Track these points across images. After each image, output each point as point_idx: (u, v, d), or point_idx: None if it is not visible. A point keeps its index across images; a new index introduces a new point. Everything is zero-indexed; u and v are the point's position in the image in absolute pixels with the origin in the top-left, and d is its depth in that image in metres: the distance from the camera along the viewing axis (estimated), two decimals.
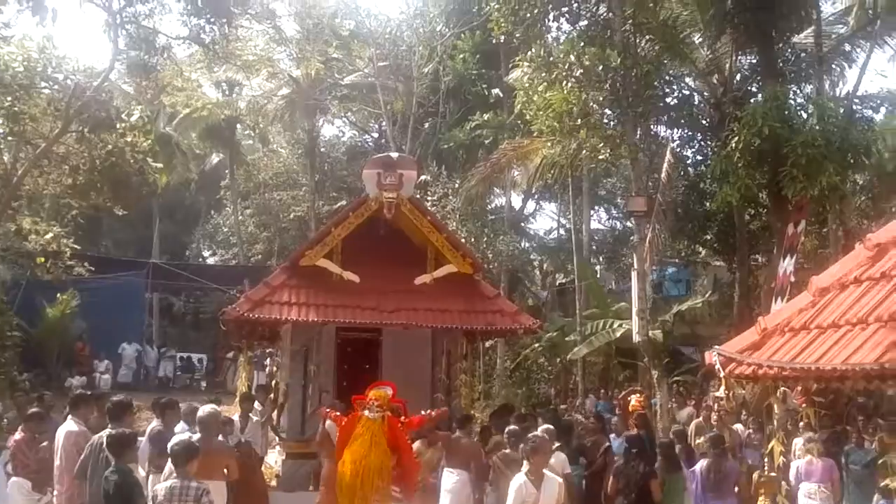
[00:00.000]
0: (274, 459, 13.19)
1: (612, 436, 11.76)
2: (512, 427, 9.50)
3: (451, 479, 9.89)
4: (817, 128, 15.39)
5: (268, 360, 22.28)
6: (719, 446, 9.57)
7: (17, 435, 8.94)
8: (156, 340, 29.27)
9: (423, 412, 10.27)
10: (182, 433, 8.60)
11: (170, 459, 6.70)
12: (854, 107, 19.29)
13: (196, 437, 7.66)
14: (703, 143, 21.65)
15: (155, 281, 27.96)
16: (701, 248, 27.40)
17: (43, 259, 18.86)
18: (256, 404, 12.19)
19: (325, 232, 13.21)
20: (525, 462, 6.98)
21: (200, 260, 39.73)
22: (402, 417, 9.88)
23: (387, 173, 12.77)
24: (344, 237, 12.87)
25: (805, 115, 16.40)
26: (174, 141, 30.56)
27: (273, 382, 23.92)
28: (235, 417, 11.81)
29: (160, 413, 9.49)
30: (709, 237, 24.53)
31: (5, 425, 12.15)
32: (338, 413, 10.32)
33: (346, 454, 9.59)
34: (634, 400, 18.49)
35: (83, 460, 7.74)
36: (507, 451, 9.17)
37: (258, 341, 18.21)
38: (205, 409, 8.14)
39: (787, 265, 16.58)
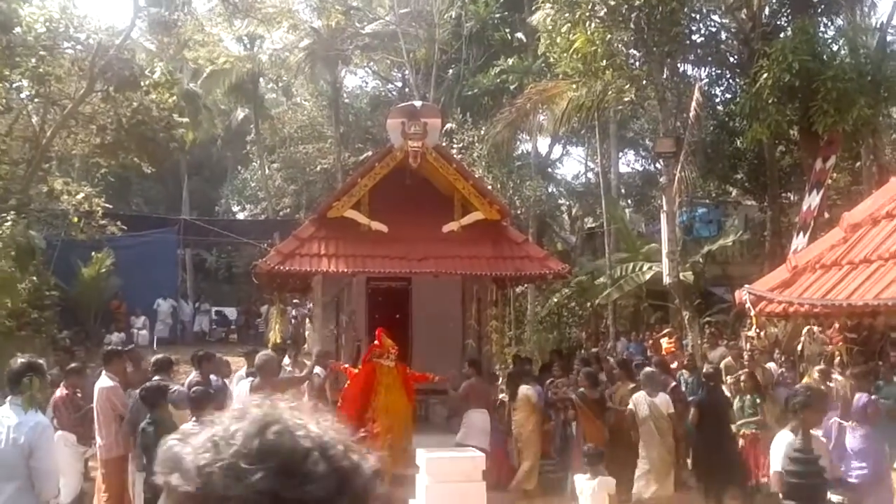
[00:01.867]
0: None
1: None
2: (649, 370, 10.04)
3: (482, 418, 10.65)
4: (849, 60, 15.04)
5: (293, 310, 22.47)
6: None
7: (60, 391, 9.20)
8: (190, 296, 29.70)
9: (429, 374, 10.74)
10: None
11: (189, 405, 7.02)
12: (888, 38, 18.76)
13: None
14: (731, 80, 21.26)
15: (187, 237, 28.21)
16: (731, 188, 27.10)
17: (77, 219, 19.08)
18: (286, 359, 12.38)
19: (351, 183, 13.23)
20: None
21: (230, 215, 40.04)
22: (408, 370, 10.58)
23: (411, 122, 12.70)
24: (370, 188, 12.86)
25: (836, 48, 16.01)
26: (199, 97, 30.59)
27: (301, 331, 24.40)
28: (242, 371, 12.01)
29: (198, 365, 9.74)
30: (739, 176, 24.24)
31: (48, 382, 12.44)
32: (346, 366, 10.68)
33: (380, 402, 9.88)
34: (666, 342, 18.69)
35: (131, 414, 8.01)
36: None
37: (290, 293, 18.46)
38: (260, 357, 8.77)
39: (812, 200, 16.38)
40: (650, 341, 19.98)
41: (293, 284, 14.82)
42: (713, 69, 21.07)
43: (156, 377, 8.22)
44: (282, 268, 12.13)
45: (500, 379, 13.92)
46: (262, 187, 35.31)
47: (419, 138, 12.67)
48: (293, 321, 22.95)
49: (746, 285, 8.09)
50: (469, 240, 12.99)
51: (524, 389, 11.14)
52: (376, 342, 10.51)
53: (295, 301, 22.71)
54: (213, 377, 9.89)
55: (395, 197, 13.10)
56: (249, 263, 18.68)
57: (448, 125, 24.17)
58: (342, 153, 32.34)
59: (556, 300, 25.68)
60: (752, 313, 7.67)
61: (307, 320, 24.10)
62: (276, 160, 36.50)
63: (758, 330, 8.11)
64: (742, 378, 11.07)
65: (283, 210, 35.87)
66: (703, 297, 24.14)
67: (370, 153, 29.96)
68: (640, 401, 9.49)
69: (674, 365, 13.92)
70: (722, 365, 13.78)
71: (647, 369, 10.26)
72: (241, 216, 40.03)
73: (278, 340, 14.12)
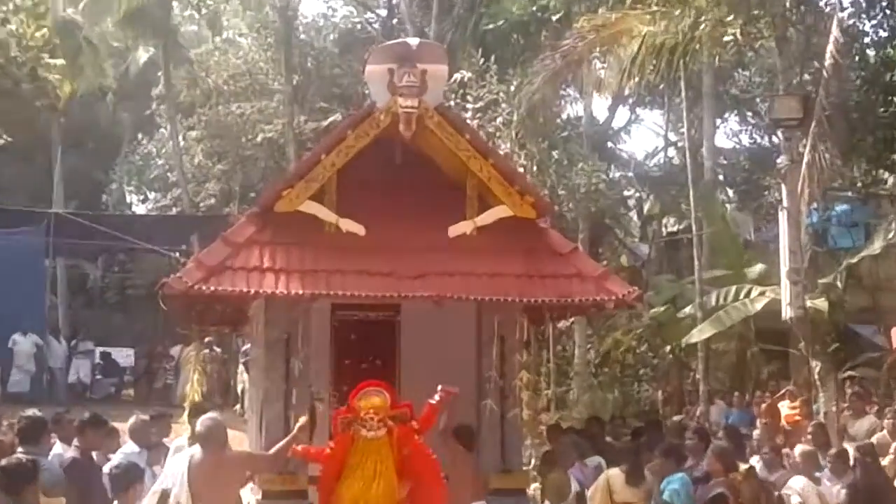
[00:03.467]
0: (246, 501, 13.44)
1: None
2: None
3: None
4: None
5: (206, 350, 22.57)
6: None
7: None
8: (63, 330, 29.76)
9: (431, 400, 10.87)
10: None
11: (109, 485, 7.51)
12: None
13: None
14: (889, 9, 21.30)
15: (59, 240, 28.27)
16: (887, 174, 27.11)
17: None
18: None
19: (311, 162, 13.17)
20: None
21: (125, 208, 40.15)
22: (414, 424, 10.48)
23: (403, 70, 12.63)
24: (340, 169, 12.85)
25: None
26: (80, 29, 30.73)
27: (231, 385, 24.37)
28: (183, 440, 12.08)
29: (79, 434, 9.82)
30: None
31: None
32: (302, 447, 10.77)
33: (341, 491, 10.04)
34: (787, 406, 18.68)
35: None
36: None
37: (217, 327, 18.45)
38: (203, 422, 9.38)
39: None
40: (762, 405, 19.98)
41: (222, 314, 14.82)
42: None
43: (20, 449, 8.29)
44: (205, 288, 12.13)
45: (531, 460, 13.94)
46: (175, 166, 35.38)
47: (414, 94, 12.61)
48: (213, 370, 23.04)
49: None
50: (489, 249, 12.95)
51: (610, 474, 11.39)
52: (347, 405, 10.58)
53: (208, 339, 22.74)
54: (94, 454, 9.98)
55: (378, 183, 13.05)
56: (155, 281, 18.64)
57: (459, 75, 24.22)
58: (296, 116, 32.41)
59: (618, 342, 25.67)
60: None
61: (241, 369, 24.22)
62: (196, 126, 36.55)
63: None
64: None
65: (205, 201, 35.90)
66: (843, 340, 24.12)
67: (338, 117, 30.01)
68: (807, 492, 9.67)
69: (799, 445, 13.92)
70: (874, 441, 13.79)
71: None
72: (141, 209, 40.14)
73: (197, 398, 14.11)
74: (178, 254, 27.79)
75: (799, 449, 11.31)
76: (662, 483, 11.07)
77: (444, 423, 11.43)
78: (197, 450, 9.28)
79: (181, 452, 10.14)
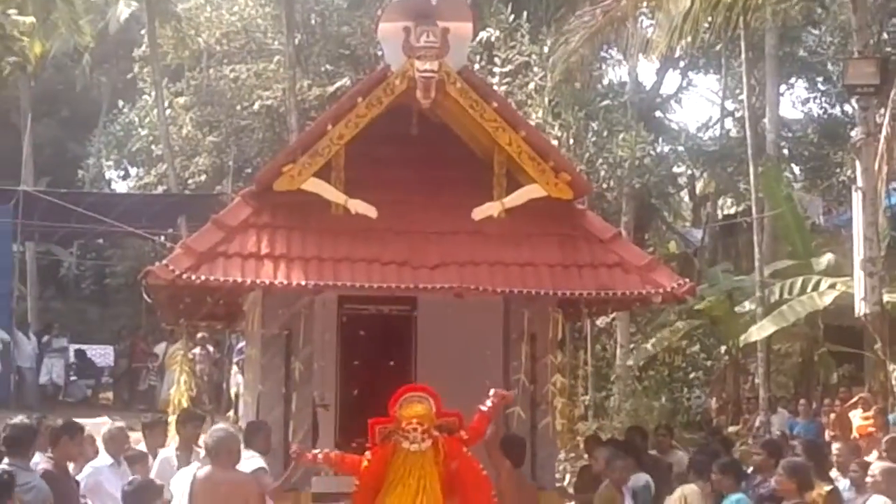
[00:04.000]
0: None
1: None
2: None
3: None
4: None
5: (197, 349, 22.70)
6: None
7: None
8: (33, 324, 29.91)
9: (481, 407, 10.87)
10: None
11: None
12: None
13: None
14: None
15: (28, 222, 28.38)
16: None
17: None
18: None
19: (315, 134, 13.23)
20: None
21: (103, 185, 40.25)
22: (463, 434, 10.51)
23: (421, 28, 12.68)
24: (349, 142, 12.90)
25: None
26: None
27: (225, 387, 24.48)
28: (170, 452, 12.16)
29: (52, 443, 9.91)
30: None
31: None
32: (334, 452, 10.94)
33: None
34: (860, 417, 18.60)
35: None
36: None
37: (207, 322, 18.51)
38: (213, 433, 9.65)
39: None
40: (831, 415, 19.93)
41: (213, 307, 14.88)
42: None
43: (6, 461, 8.52)
44: (194, 277, 12.20)
45: (566, 477, 13.99)
46: (161, 138, 35.43)
47: (434, 56, 12.65)
48: (203, 371, 23.17)
49: None
50: (518, 234, 13.01)
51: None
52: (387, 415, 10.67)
53: (200, 335, 22.85)
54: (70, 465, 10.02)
55: (392, 158, 13.12)
56: (137, 269, 18.71)
57: (485, 34, 24.18)
58: (299, 81, 32.42)
59: (666, 341, 25.66)
60: None
61: (235, 370, 24.31)
62: (185, 92, 36.63)
63: None
64: None
65: (195, 177, 35.96)
66: None
67: (346, 81, 29.98)
68: None
69: (872, 457, 13.89)
70: None
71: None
72: (122, 187, 40.29)
73: (185, 403, 14.19)
74: (163, 238, 27.85)
75: (878, 465, 11.25)
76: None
77: (490, 432, 11.32)
78: (203, 464, 9.47)
79: (187, 468, 10.23)
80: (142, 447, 12.67)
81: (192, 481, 9.37)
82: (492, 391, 11.03)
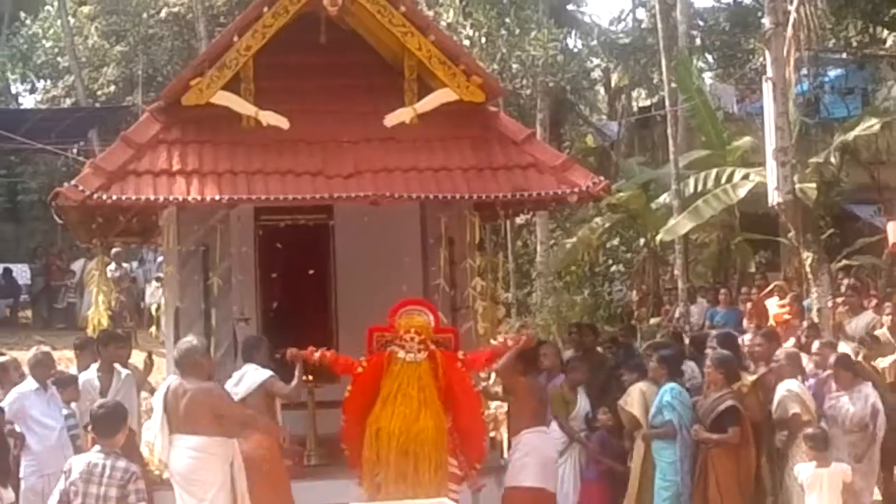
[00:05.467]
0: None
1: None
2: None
3: (543, 443, 11.58)
4: None
5: (113, 265, 22.47)
6: None
7: None
8: None
9: (494, 341, 11.37)
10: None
11: (90, 428, 8.16)
12: None
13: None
14: None
15: None
16: (886, 32, 27.20)
17: None
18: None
19: (222, 45, 13.04)
20: None
21: (8, 99, 39.57)
22: (461, 354, 10.96)
23: None
24: (257, 52, 12.74)
25: None
26: None
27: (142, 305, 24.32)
28: (91, 373, 12.13)
29: None
30: None
31: None
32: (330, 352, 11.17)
33: (379, 417, 10.50)
34: (776, 303, 18.90)
35: None
36: None
37: (123, 238, 18.34)
38: (180, 346, 10.11)
39: None
40: (748, 303, 20.22)
41: (127, 224, 14.73)
42: None
43: None
44: (105, 197, 12.05)
45: (492, 377, 14.09)
46: (66, 49, 34.83)
47: None
48: (120, 289, 22.93)
49: None
50: (432, 139, 12.99)
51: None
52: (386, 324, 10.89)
53: (116, 250, 22.58)
54: None
55: (302, 68, 13.00)
56: (50, 185, 18.44)
57: None
58: None
59: (586, 237, 25.82)
60: None
61: (153, 286, 24.13)
62: (89, 1, 36.00)
63: None
64: None
65: (104, 89, 35.50)
66: (838, 224, 24.38)
67: None
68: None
69: (789, 344, 14.17)
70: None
71: None
72: (30, 101, 39.61)
73: (104, 321, 14.09)
74: (75, 152, 27.49)
75: (782, 350, 11.63)
76: (658, 395, 11.33)
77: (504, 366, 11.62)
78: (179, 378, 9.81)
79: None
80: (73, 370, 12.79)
81: (164, 393, 9.68)
82: (524, 334, 11.47)
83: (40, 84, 39.53)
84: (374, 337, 10.98)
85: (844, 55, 28.87)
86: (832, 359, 11.56)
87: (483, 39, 23.76)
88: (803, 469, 10.45)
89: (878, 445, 11.39)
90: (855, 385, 11.27)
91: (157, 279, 22.29)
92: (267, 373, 10.84)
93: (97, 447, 8.05)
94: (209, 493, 9.65)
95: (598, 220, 25.61)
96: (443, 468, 10.64)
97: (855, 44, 27.89)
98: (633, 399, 11.53)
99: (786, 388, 10.99)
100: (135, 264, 26.77)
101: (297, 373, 10.90)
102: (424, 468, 10.51)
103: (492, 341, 11.61)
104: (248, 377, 10.80)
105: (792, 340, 14.24)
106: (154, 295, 24.25)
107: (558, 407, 12.26)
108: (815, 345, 12.60)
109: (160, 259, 22.19)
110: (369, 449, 10.56)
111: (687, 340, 14.63)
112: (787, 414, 10.77)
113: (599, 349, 14.46)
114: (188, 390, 9.51)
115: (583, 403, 12.30)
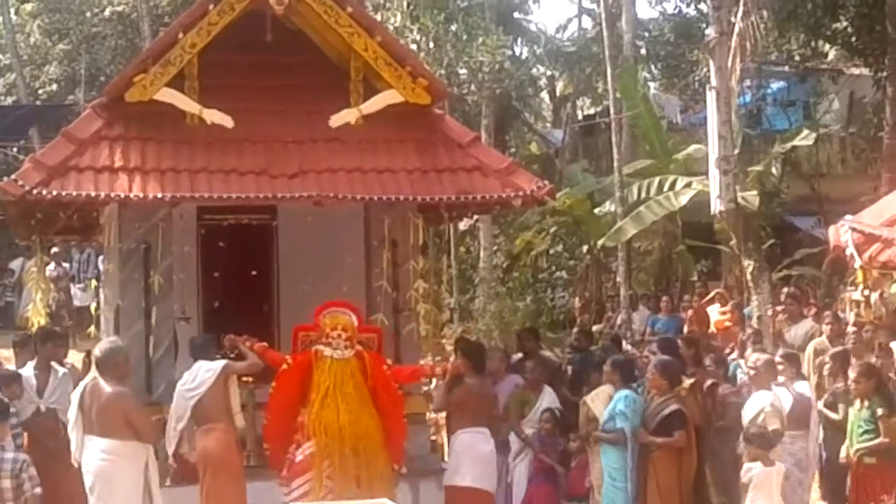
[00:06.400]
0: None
1: None
2: None
3: (480, 442, 11.59)
4: None
5: (52, 265, 22.31)
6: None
7: None
8: None
9: (424, 363, 11.81)
10: None
11: None
12: None
13: None
14: None
15: None
16: (828, 46, 27.46)
17: None
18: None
19: (166, 42, 12.98)
20: None
21: None
22: (388, 363, 11.23)
23: None
24: (202, 50, 12.67)
25: None
26: None
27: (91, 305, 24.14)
28: (28, 371, 12.00)
29: None
30: (842, 26, 24.57)
31: None
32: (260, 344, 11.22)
33: (321, 414, 10.57)
34: (717, 311, 19.03)
35: None
36: None
37: (64, 236, 18.19)
38: (102, 346, 10.17)
39: None
40: (689, 311, 20.33)
41: (67, 221, 14.59)
42: None
43: None
44: (45, 192, 11.95)
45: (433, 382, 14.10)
46: (8, 46, 34.55)
47: None
48: (58, 288, 22.76)
49: (849, 215, 8.28)
50: (376, 141, 12.99)
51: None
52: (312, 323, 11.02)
53: (54, 251, 22.41)
54: None
55: (247, 66, 12.95)
56: None
57: None
58: None
59: (529, 243, 25.88)
60: (859, 263, 7.88)
61: (96, 287, 23.94)
62: None
63: (868, 291, 8.34)
64: (853, 374, 11.36)
65: (45, 87, 35.24)
66: (779, 234, 24.60)
67: None
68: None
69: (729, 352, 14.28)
70: (809, 349, 14.13)
71: None
72: None
73: (43, 320, 13.95)
74: (15, 150, 27.23)
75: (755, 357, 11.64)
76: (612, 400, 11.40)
77: (439, 401, 12.13)
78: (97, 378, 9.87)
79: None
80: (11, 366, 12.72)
81: (81, 392, 9.77)
82: (451, 362, 11.95)
83: None
84: (299, 336, 11.14)
85: (787, 68, 29.10)
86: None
87: (430, 44, 23.77)
88: (751, 469, 10.41)
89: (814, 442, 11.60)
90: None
91: (91, 279, 22.20)
92: (221, 361, 10.92)
93: None
94: (121, 495, 9.74)
95: (543, 224, 25.64)
96: (389, 468, 10.86)
97: (797, 57, 28.13)
98: (600, 400, 11.62)
99: (768, 402, 10.84)
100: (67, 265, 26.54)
101: (243, 349, 11.07)
102: (374, 468, 10.70)
103: (423, 363, 11.79)
104: (203, 372, 10.80)
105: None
106: (78, 296, 24.37)
107: (515, 407, 12.43)
108: (750, 354, 12.70)
109: (101, 259, 22.03)
110: (317, 444, 10.56)
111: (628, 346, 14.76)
112: (767, 429, 10.66)
113: (548, 353, 14.58)
114: (103, 393, 9.58)
115: (544, 403, 12.42)
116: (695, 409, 11.28)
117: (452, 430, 11.99)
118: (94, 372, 10.48)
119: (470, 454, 11.54)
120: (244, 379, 11.47)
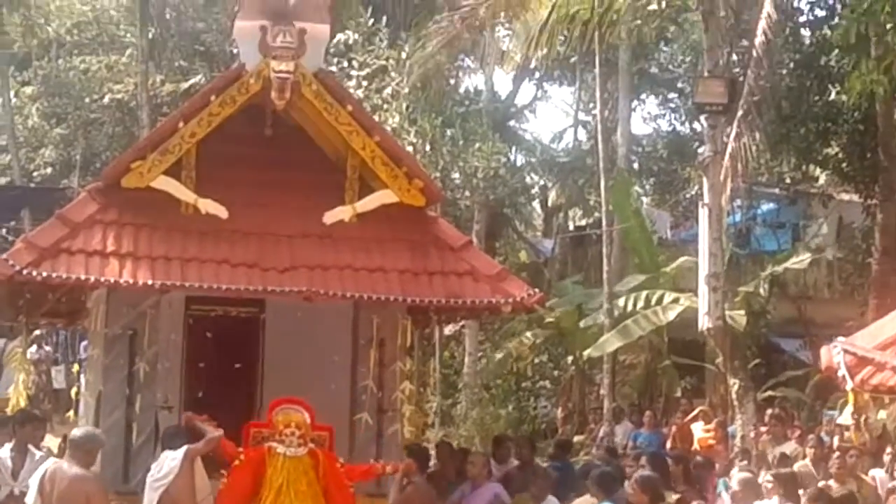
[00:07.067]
0: None
1: None
2: None
3: None
4: None
5: (34, 347, 22.17)
6: None
7: None
8: None
9: (375, 461, 11.63)
10: None
11: None
12: None
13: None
14: None
15: None
16: (819, 170, 27.66)
17: None
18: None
19: (166, 130, 13.08)
20: None
21: None
22: (341, 461, 11.09)
23: (278, 28, 12.61)
24: (201, 140, 12.74)
25: None
26: None
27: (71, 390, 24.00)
28: (5, 452, 11.85)
29: None
30: (832, 151, 24.77)
31: None
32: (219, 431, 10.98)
33: None
34: (701, 428, 18.94)
35: None
36: None
37: (48, 320, 18.09)
38: (83, 429, 10.15)
39: None
40: (673, 427, 20.24)
41: (56, 304, 14.53)
42: None
43: None
44: (35, 273, 11.91)
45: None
46: (5, 128, 34.64)
47: (290, 57, 12.59)
48: (39, 371, 22.62)
49: (840, 338, 8.27)
50: (369, 240, 13.03)
51: None
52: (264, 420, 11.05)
53: (37, 333, 22.29)
54: None
55: (244, 159, 13.02)
56: None
57: (343, 36, 24.11)
58: (151, 75, 31.95)
59: (514, 351, 25.81)
60: (849, 385, 7.86)
61: (76, 372, 23.79)
62: (32, 81, 35.89)
63: (857, 415, 8.31)
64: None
65: (40, 170, 35.26)
66: (764, 355, 24.56)
67: (201, 79, 29.63)
68: None
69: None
70: (796, 469, 14.02)
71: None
72: None
73: (23, 403, 13.82)
74: (5, 231, 27.19)
75: (739, 476, 11.50)
76: None
77: (392, 498, 11.73)
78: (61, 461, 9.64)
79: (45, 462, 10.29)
80: None
81: (41, 476, 9.44)
82: (403, 464, 11.59)
83: None
84: (251, 433, 11.10)
85: (777, 190, 29.29)
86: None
87: (427, 147, 23.88)
88: None
89: None
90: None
91: (73, 362, 22.07)
92: (182, 448, 10.74)
93: None
94: None
95: (528, 333, 25.58)
96: None
97: (788, 180, 28.35)
98: None
99: None
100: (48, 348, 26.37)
101: (200, 426, 10.99)
102: None
103: (375, 462, 11.73)
104: (168, 462, 10.67)
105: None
106: (57, 379, 24.22)
107: None
108: (735, 472, 12.61)
109: (84, 345, 21.93)
110: None
111: None
112: None
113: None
114: (66, 476, 9.32)
115: None
116: None
117: None
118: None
119: None
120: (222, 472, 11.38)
